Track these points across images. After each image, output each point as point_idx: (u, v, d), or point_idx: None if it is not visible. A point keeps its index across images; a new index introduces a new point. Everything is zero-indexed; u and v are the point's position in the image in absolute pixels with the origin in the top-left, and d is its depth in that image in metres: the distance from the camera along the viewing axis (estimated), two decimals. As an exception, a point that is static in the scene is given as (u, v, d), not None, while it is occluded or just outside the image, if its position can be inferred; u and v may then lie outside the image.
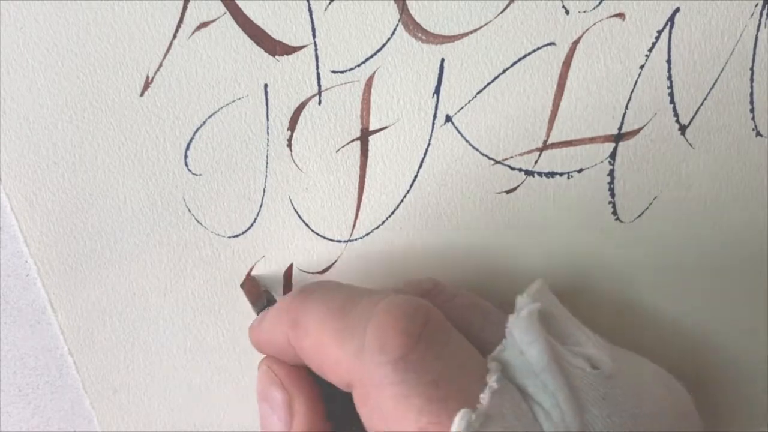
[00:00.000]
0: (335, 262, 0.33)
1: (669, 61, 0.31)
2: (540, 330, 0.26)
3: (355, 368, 0.24)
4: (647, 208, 0.33)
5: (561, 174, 0.32)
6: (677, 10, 0.30)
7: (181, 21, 0.29)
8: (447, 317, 0.26)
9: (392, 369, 0.23)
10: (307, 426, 0.28)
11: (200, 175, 0.31)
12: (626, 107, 0.31)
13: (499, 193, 0.32)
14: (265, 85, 0.30)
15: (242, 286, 0.33)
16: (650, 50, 0.31)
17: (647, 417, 0.25)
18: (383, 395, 0.24)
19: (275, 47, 0.30)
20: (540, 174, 0.32)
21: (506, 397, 0.24)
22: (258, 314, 0.31)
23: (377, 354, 0.24)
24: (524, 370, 0.25)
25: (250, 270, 0.32)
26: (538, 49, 0.30)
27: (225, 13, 0.29)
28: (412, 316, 0.24)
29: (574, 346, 0.27)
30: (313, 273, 0.33)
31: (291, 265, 0.33)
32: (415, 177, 0.32)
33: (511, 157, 0.32)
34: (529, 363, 0.25)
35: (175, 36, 0.29)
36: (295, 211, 0.32)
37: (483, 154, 0.32)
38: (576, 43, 0.30)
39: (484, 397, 0.23)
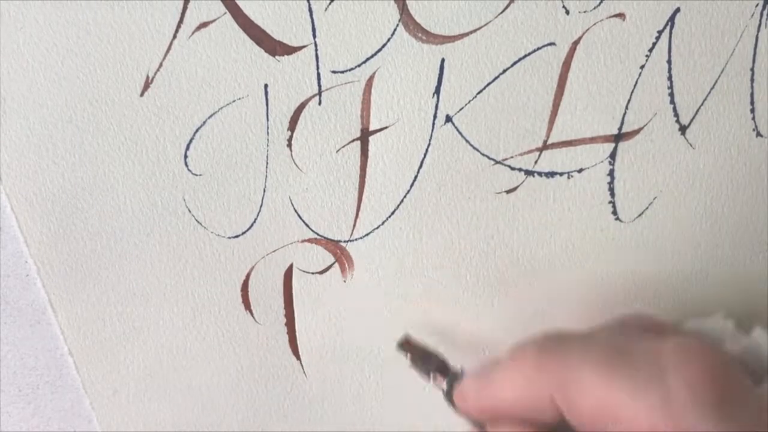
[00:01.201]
0: (335, 262, 0.33)
1: (669, 62, 0.31)
2: None
3: (661, 419, 0.23)
4: (647, 208, 0.33)
5: (561, 174, 0.32)
6: (677, 10, 0.30)
7: (181, 21, 0.29)
8: None
9: (712, 411, 0.22)
10: None
11: (200, 175, 0.31)
12: (626, 107, 0.31)
13: (499, 193, 0.32)
14: (265, 85, 0.30)
15: (401, 347, 0.32)
16: (650, 50, 0.31)
17: None
18: None
19: (275, 47, 0.30)
20: (540, 174, 0.32)
21: None
22: (424, 374, 0.30)
23: (692, 398, 0.23)
24: None
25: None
26: (538, 49, 0.30)
27: (225, 13, 0.29)
28: (713, 356, 0.23)
29: None
30: (312, 273, 0.33)
31: (291, 265, 0.33)
32: (416, 177, 0.32)
33: (511, 157, 0.32)
34: None
35: (175, 36, 0.29)
36: (295, 211, 0.32)
37: (483, 154, 0.32)
38: (576, 43, 0.30)
39: None
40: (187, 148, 0.31)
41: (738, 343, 0.28)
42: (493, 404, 0.27)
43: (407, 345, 0.32)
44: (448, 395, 0.29)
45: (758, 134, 0.32)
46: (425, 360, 0.31)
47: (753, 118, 0.32)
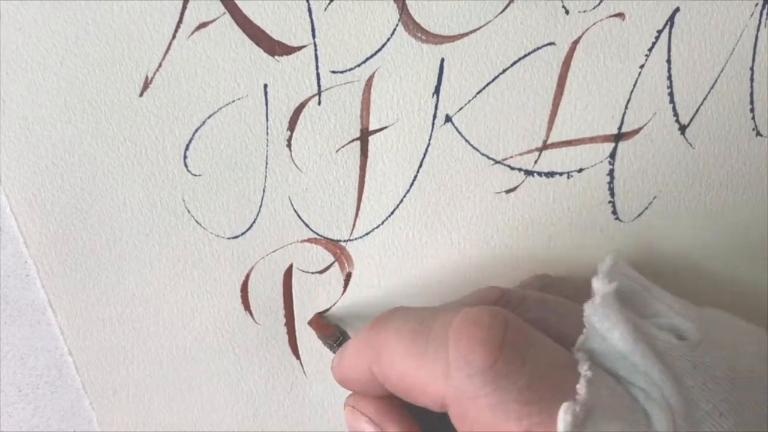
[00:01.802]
0: (334, 262, 0.33)
1: (669, 61, 0.31)
2: (619, 312, 0.25)
3: (446, 388, 0.24)
4: (647, 208, 0.33)
5: (561, 174, 0.32)
6: (677, 10, 0.30)
7: (180, 21, 0.29)
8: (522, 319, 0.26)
9: (482, 380, 0.23)
10: None
11: (200, 175, 0.31)
12: (626, 107, 0.31)
13: (498, 192, 0.32)
14: (265, 86, 0.30)
15: (310, 324, 0.33)
16: (650, 50, 0.31)
17: (744, 380, 0.25)
18: (479, 407, 0.24)
19: (275, 47, 0.30)
20: (540, 174, 0.32)
21: (602, 384, 0.24)
22: (333, 351, 0.32)
23: (464, 368, 0.24)
24: (611, 355, 0.25)
25: (320, 313, 0.33)
26: (538, 49, 0.30)
27: (224, 13, 0.29)
28: (490, 325, 0.24)
29: (656, 317, 0.27)
30: (312, 273, 0.33)
31: (291, 265, 0.33)
32: (415, 177, 0.32)
33: (511, 156, 0.32)
34: (615, 348, 0.25)
35: (174, 36, 0.29)
36: (295, 211, 0.32)
37: (483, 154, 0.32)
38: (576, 43, 0.30)
39: (581, 387, 0.23)
40: (187, 148, 0.31)
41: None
42: (341, 376, 0.29)
43: (315, 323, 0.33)
44: None
45: (758, 134, 0.32)
46: (330, 337, 0.32)
47: (753, 118, 0.32)
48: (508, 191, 0.32)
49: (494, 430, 0.23)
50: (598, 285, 0.27)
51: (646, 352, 0.24)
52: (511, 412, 0.23)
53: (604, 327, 0.25)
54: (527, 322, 0.26)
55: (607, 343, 0.25)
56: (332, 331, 0.33)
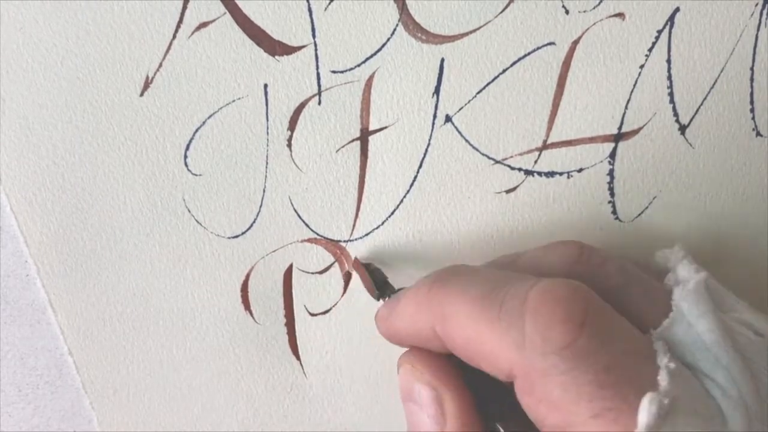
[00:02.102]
0: (335, 262, 0.33)
1: (669, 61, 0.31)
2: (709, 302, 0.25)
3: (516, 359, 0.23)
4: (647, 208, 0.33)
5: (561, 174, 0.32)
6: (677, 10, 0.30)
7: (180, 21, 0.29)
8: (599, 287, 0.25)
9: (559, 359, 0.23)
10: (463, 425, 0.26)
11: (200, 175, 0.31)
12: (626, 107, 0.31)
13: (498, 192, 0.32)
14: (265, 85, 0.30)
15: (354, 265, 0.32)
16: (650, 50, 0.31)
17: None
18: (551, 385, 0.23)
19: (275, 47, 0.30)
20: (540, 174, 0.32)
21: (681, 377, 0.23)
22: (376, 297, 0.31)
23: (541, 344, 0.23)
24: (694, 345, 0.24)
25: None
26: (538, 48, 0.30)
27: (225, 13, 0.29)
28: (571, 301, 0.23)
29: (733, 313, 0.26)
30: (312, 273, 0.33)
31: (291, 265, 0.33)
32: (415, 177, 0.32)
33: (511, 156, 0.32)
34: (700, 338, 0.24)
35: (174, 36, 0.29)
36: (295, 211, 0.32)
37: (483, 154, 0.32)
38: (576, 43, 0.30)
39: (663, 379, 0.22)
40: (187, 148, 0.31)
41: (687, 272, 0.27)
42: (394, 330, 0.28)
43: (357, 265, 0.32)
44: None
45: (758, 134, 0.32)
46: (376, 284, 0.32)
47: (753, 118, 0.32)
48: (508, 191, 0.32)
49: (561, 409, 0.23)
50: (686, 271, 0.26)
51: (728, 346, 0.24)
52: (584, 394, 0.22)
53: (693, 314, 0.24)
54: (607, 289, 0.25)
55: (692, 332, 0.24)
56: (376, 275, 0.32)
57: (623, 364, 0.23)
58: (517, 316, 0.24)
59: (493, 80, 0.31)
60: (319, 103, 0.31)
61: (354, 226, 0.32)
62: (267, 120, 0.31)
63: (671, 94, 0.31)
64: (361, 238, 0.33)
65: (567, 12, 0.30)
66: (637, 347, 0.24)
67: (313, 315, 0.34)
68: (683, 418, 0.22)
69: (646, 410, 0.22)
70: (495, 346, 0.24)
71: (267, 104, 0.30)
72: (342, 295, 0.33)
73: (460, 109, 0.31)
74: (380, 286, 0.31)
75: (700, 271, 0.26)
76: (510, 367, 0.24)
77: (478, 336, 0.25)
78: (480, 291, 0.25)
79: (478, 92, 0.31)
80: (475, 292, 0.25)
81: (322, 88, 0.30)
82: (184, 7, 0.28)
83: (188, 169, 0.31)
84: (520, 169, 0.32)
